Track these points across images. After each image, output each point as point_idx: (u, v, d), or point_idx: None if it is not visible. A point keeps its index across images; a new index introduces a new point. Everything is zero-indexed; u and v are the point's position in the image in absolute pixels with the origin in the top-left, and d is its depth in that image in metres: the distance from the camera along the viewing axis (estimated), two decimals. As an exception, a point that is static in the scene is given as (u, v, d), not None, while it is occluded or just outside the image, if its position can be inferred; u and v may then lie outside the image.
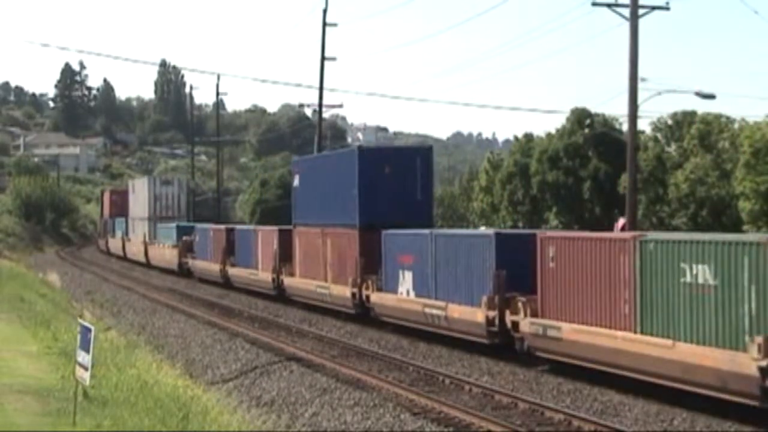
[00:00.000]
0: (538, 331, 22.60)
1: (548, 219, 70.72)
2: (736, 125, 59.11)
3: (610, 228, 46.14)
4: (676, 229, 55.27)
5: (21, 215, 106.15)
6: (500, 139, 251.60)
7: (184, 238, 58.08)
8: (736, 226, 52.74)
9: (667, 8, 33.27)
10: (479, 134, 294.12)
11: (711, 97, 37.90)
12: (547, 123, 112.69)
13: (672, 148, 63.73)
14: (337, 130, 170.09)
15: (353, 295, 32.57)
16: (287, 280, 39.62)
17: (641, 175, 56.21)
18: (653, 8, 33.08)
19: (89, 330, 14.60)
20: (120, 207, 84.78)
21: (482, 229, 46.34)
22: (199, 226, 59.27)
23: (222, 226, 53.71)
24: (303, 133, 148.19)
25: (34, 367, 19.84)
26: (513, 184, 75.32)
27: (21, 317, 28.64)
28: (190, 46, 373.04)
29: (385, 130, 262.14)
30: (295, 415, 19.65)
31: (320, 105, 58.08)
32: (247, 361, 26.19)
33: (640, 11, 32.42)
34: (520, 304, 23.48)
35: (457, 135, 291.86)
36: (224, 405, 19.74)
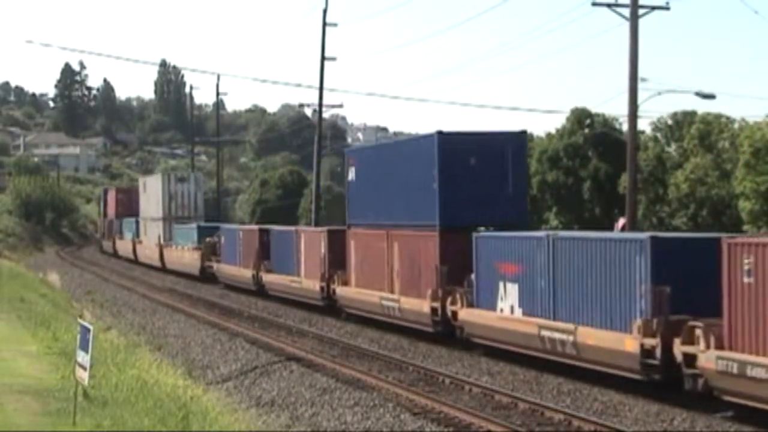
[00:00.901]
0: (727, 368, 17.34)
1: (548, 219, 70.71)
2: (736, 125, 59.08)
3: (611, 228, 46.10)
4: (676, 229, 55.27)
5: (21, 215, 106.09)
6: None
7: (207, 239, 53.61)
8: (736, 226, 52.72)
9: (667, 8, 33.28)
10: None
11: (711, 97, 37.90)
12: (546, 123, 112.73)
13: (672, 148, 63.74)
14: (337, 130, 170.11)
15: (433, 310, 27.25)
16: (340, 290, 34.37)
17: (641, 175, 56.20)
18: (653, 8, 33.07)
19: (88, 330, 14.60)
20: (127, 206, 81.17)
21: (619, 230, 37.67)
22: (225, 226, 54.94)
23: (255, 227, 49.18)
24: (303, 133, 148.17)
25: (34, 367, 19.83)
26: (513, 184, 75.16)
27: (21, 317, 28.64)
28: (190, 46, 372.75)
29: (385, 130, 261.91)
30: (295, 415, 19.64)
31: (320, 105, 58.03)
32: (247, 361, 26.18)
33: (640, 11, 32.41)
34: (698, 332, 18.29)
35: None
36: (224, 405, 19.75)
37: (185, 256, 57.46)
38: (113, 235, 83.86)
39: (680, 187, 58.08)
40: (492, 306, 24.74)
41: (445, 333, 27.15)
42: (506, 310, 24.14)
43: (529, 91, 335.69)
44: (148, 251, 68.28)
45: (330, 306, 35.54)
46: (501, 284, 24.41)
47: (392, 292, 30.21)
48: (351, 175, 34.53)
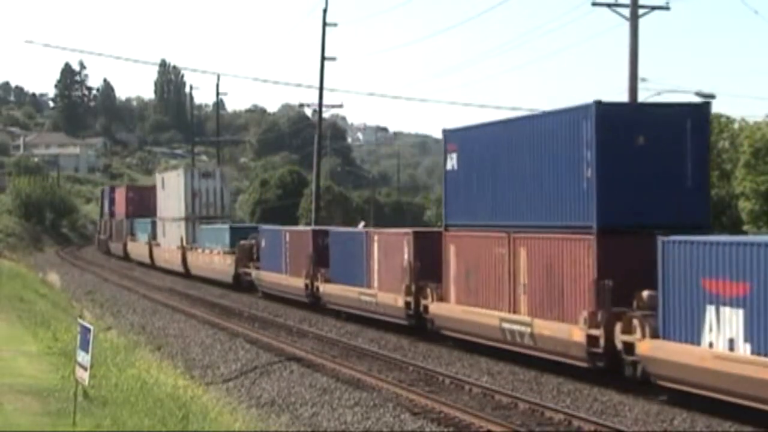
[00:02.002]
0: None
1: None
2: (736, 125, 59.10)
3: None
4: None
5: (21, 215, 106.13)
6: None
7: (242, 242, 47.20)
8: (736, 226, 52.73)
9: (667, 8, 33.34)
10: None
11: (711, 97, 37.93)
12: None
13: (672, 148, 63.70)
14: (337, 130, 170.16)
15: (591, 339, 20.76)
16: (435, 308, 27.65)
17: (641, 175, 56.18)
18: (653, 8, 33.13)
19: (88, 330, 14.60)
20: (139, 205, 76.11)
21: None
22: (266, 227, 47.62)
23: (307, 228, 42.47)
24: (303, 133, 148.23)
25: (34, 367, 19.82)
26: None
27: (21, 317, 28.62)
28: (190, 46, 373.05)
29: (385, 130, 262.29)
30: (295, 415, 19.64)
31: (320, 105, 58.05)
32: (247, 361, 26.18)
33: (640, 11, 32.46)
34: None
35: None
36: (224, 405, 19.74)
37: (215, 261, 51.09)
38: (124, 237, 77.79)
39: (680, 187, 58.02)
40: (693, 339, 18.43)
41: (614, 370, 20.69)
42: (722, 346, 17.72)
43: (529, 91, 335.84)
44: (168, 255, 62.13)
45: (418, 326, 28.91)
46: (710, 310, 18.00)
47: (517, 312, 23.58)
48: (451, 162, 27.45)
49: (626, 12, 32.47)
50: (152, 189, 77.85)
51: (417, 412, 19.13)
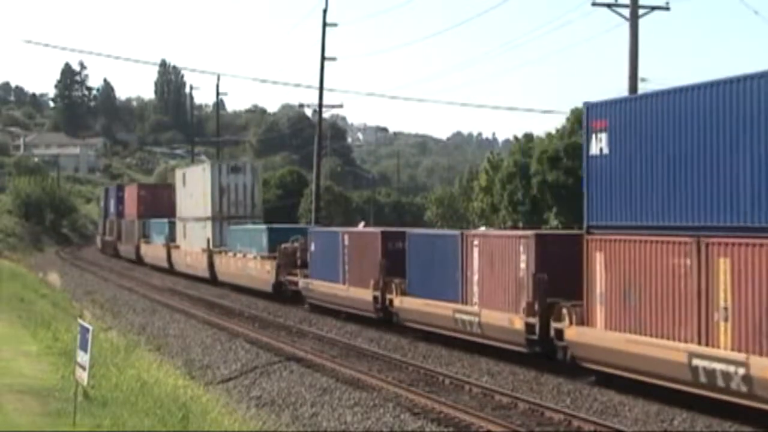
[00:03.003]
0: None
1: (548, 219, 70.73)
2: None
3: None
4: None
5: (21, 215, 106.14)
6: (500, 139, 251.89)
7: (284, 246, 41.18)
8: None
9: (667, 8, 33.31)
10: (479, 134, 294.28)
11: (711, 97, 37.81)
12: (547, 123, 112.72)
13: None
14: (337, 130, 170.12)
15: None
16: (577, 335, 21.56)
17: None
18: (653, 8, 33.11)
19: (88, 330, 14.60)
20: (152, 205, 70.98)
21: None
22: (316, 229, 42.12)
23: (375, 230, 35.01)
24: (303, 133, 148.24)
25: (34, 368, 19.82)
26: (513, 185, 75.23)
27: (21, 317, 28.63)
28: (190, 46, 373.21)
29: (385, 130, 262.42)
30: (295, 415, 19.65)
31: (320, 105, 58.05)
32: (247, 361, 26.19)
33: (640, 11, 32.45)
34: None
35: (457, 135, 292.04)
36: (224, 405, 19.74)
37: (249, 267, 44.94)
38: (136, 239, 71.99)
39: (680, 187, 58.02)
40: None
41: None
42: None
43: (529, 91, 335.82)
44: (191, 258, 56.14)
45: (546, 354, 23.04)
46: None
47: (714, 345, 17.80)
48: (598, 145, 21.33)
49: (626, 12, 32.46)
50: (166, 187, 75.70)
51: (417, 412, 19.13)
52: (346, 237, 34.71)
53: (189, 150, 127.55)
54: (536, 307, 22.75)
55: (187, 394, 18.96)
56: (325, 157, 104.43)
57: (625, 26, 32.41)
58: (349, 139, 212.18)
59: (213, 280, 51.14)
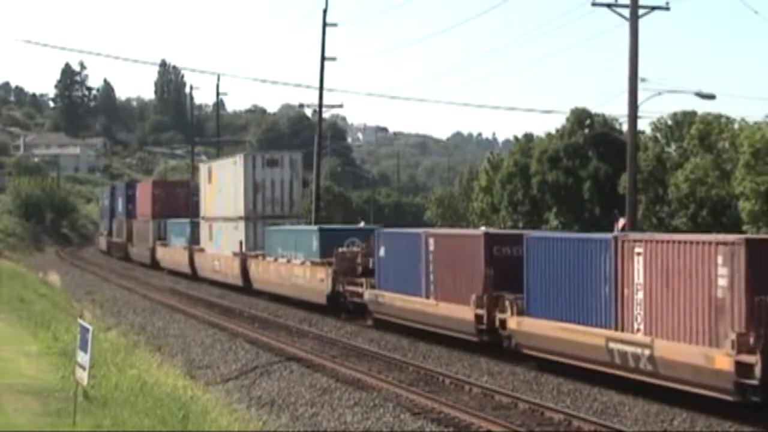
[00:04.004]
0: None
1: (548, 219, 70.76)
2: (736, 125, 59.16)
3: (610, 228, 46.16)
4: (675, 229, 55.32)
5: (21, 215, 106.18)
6: (500, 139, 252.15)
7: (341, 250, 35.32)
8: (736, 226, 52.77)
9: (667, 8, 33.26)
10: (479, 134, 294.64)
11: (711, 97, 37.89)
12: (546, 123, 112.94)
13: (672, 148, 63.85)
14: (337, 130, 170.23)
15: None
16: None
17: (641, 175, 56.26)
18: (653, 8, 33.06)
19: (88, 330, 14.60)
20: (168, 204, 65.96)
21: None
22: (388, 230, 34.17)
23: (475, 232, 29.93)
24: (303, 133, 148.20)
25: (34, 368, 19.82)
26: (513, 184, 75.37)
27: (21, 317, 28.63)
28: (190, 46, 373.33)
29: (385, 130, 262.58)
30: (295, 415, 19.65)
31: (320, 105, 57.97)
32: (247, 361, 26.19)
33: (640, 11, 32.41)
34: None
35: (457, 135, 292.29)
36: (224, 405, 19.74)
37: (296, 274, 38.71)
38: (151, 241, 66.36)
39: (680, 187, 58.15)
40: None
41: None
42: None
43: (528, 91, 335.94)
44: (219, 263, 49.99)
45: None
46: None
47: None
48: None
49: (626, 12, 32.42)
50: (182, 184, 71.68)
51: (417, 412, 19.13)
52: (431, 240, 28.20)
53: (189, 150, 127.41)
54: (750, 339, 16.66)
55: (187, 394, 18.97)
56: (325, 157, 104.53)
57: (625, 26, 32.39)
58: (349, 139, 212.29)
59: (246, 288, 45.11)
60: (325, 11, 56.43)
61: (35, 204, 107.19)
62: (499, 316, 24.50)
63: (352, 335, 30.76)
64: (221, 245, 50.10)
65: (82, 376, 14.75)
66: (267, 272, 42.66)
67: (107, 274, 61.64)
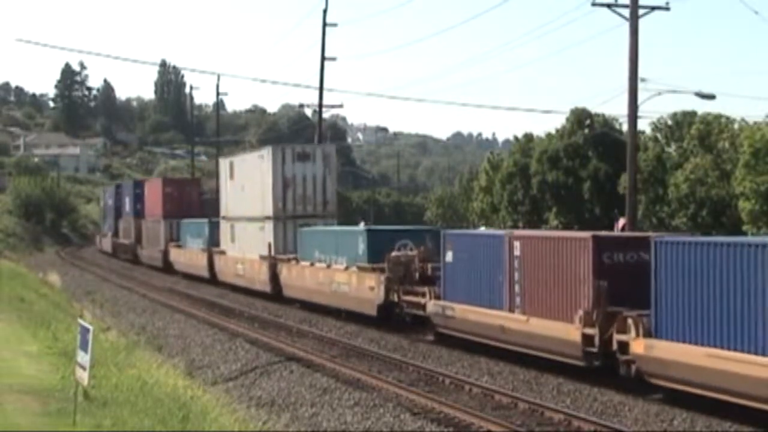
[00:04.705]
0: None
1: (548, 219, 70.76)
2: (736, 125, 59.17)
3: (610, 228, 46.19)
4: (675, 229, 55.31)
5: (21, 215, 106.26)
6: (500, 139, 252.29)
7: (394, 254, 31.22)
8: (736, 227, 52.78)
9: (667, 8, 33.27)
10: (479, 134, 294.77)
11: (711, 97, 37.88)
12: (546, 123, 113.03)
13: (672, 149, 63.85)
14: (337, 130, 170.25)
15: None
16: None
17: (641, 175, 56.25)
18: (653, 8, 33.07)
19: (88, 330, 14.61)
20: (180, 203, 62.55)
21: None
22: (460, 231, 31.98)
23: (579, 234, 23.81)
24: (303, 133, 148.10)
25: (35, 368, 19.82)
26: (513, 185, 75.38)
27: (21, 317, 28.64)
28: (190, 46, 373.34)
29: (385, 130, 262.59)
30: (295, 415, 19.65)
31: (320, 105, 58.01)
32: (247, 361, 26.18)
33: (640, 11, 32.41)
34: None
35: (457, 135, 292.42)
36: (224, 405, 19.75)
37: (339, 281, 34.60)
38: (163, 243, 62.50)
39: (680, 187, 58.14)
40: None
41: None
42: None
43: (529, 91, 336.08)
44: (243, 267, 45.79)
45: None
46: None
47: None
48: None
49: (626, 12, 32.42)
50: (195, 183, 69.14)
51: (417, 412, 19.13)
52: (517, 243, 24.10)
53: (189, 150, 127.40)
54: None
55: (187, 394, 18.98)
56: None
57: (625, 26, 32.38)
58: (349, 139, 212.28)
59: (275, 295, 41.17)
60: (325, 11, 56.47)
61: (35, 204, 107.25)
62: (617, 337, 20.32)
63: (352, 335, 30.74)
64: (245, 248, 46.10)
65: (82, 376, 14.75)
66: (301, 278, 38.33)
67: (107, 274, 61.63)
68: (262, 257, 42.58)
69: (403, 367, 24.33)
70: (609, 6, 33.09)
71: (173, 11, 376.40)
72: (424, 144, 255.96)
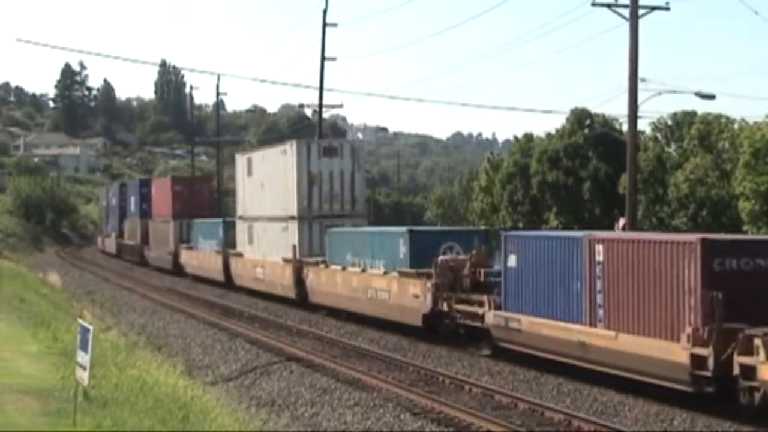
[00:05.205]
0: None
1: (548, 219, 70.77)
2: (736, 125, 59.21)
3: (611, 228, 46.20)
4: (676, 229, 55.32)
5: (21, 215, 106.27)
6: (500, 139, 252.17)
7: (442, 258, 28.02)
8: (736, 226, 52.79)
9: (667, 8, 33.27)
10: (479, 134, 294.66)
11: (711, 97, 37.88)
12: (546, 123, 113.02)
13: (672, 149, 63.89)
14: (337, 131, 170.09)
15: None
16: None
17: (641, 175, 56.28)
18: (653, 8, 33.06)
19: (88, 330, 14.61)
20: (191, 202, 59.95)
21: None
22: (521, 234, 26.41)
23: (683, 237, 20.46)
24: (303, 134, 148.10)
25: (35, 368, 19.82)
26: (513, 185, 75.41)
27: (21, 317, 28.63)
28: (190, 46, 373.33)
29: (384, 130, 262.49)
30: (295, 415, 19.65)
31: (320, 105, 58.00)
32: (248, 362, 26.18)
33: (640, 11, 32.41)
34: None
35: (457, 135, 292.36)
36: (224, 405, 19.74)
37: (377, 287, 31.41)
38: (173, 245, 59.59)
39: (680, 187, 58.17)
40: None
41: None
42: None
43: (528, 91, 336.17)
44: (264, 271, 42.83)
45: None
46: None
47: None
48: None
49: (626, 12, 32.42)
50: (206, 180, 66.94)
51: (417, 412, 19.13)
52: (599, 247, 20.96)
53: (189, 150, 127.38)
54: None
55: (187, 394, 18.96)
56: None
57: (625, 26, 32.38)
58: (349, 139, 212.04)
59: (300, 301, 38.28)
60: (325, 11, 56.45)
61: (35, 204, 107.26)
62: (739, 359, 17.07)
63: (352, 335, 30.74)
64: (265, 250, 42.99)
65: (82, 376, 14.75)
66: (331, 284, 35.21)
67: (107, 274, 61.62)
68: (286, 260, 39.58)
69: (403, 367, 24.33)
70: (609, 6, 33.09)
71: (173, 11, 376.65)
72: (424, 144, 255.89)
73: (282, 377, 23.66)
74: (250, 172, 46.16)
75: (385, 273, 31.03)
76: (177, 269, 57.81)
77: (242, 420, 18.25)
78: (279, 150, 42.54)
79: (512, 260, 24.13)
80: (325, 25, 56.52)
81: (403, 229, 32.06)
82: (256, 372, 24.66)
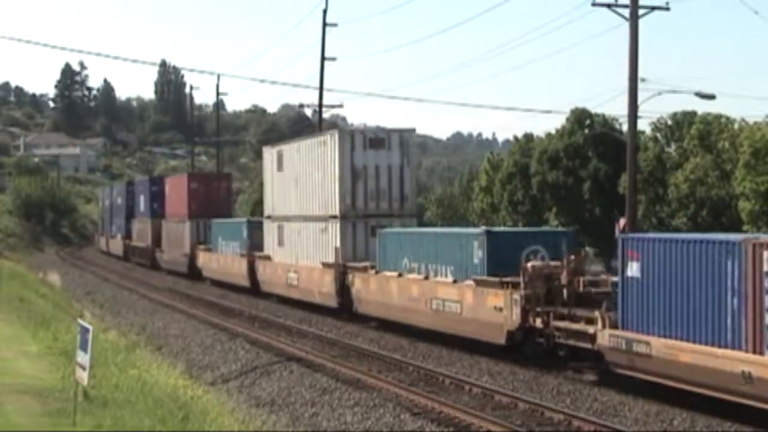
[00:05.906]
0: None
1: (548, 219, 70.76)
2: (736, 125, 59.18)
3: (611, 228, 46.19)
4: (676, 229, 55.31)
5: (21, 215, 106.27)
6: (500, 139, 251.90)
7: (531, 264, 24.00)
8: (736, 227, 52.76)
9: (667, 8, 33.25)
10: (479, 134, 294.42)
11: (711, 97, 37.88)
12: (547, 123, 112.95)
13: (672, 149, 63.86)
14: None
15: None
16: None
17: (641, 176, 56.26)
18: (653, 8, 33.06)
19: (88, 330, 14.60)
20: (208, 202, 55.98)
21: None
22: (646, 236, 21.64)
23: None
24: (303, 134, 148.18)
25: (35, 368, 19.82)
26: (513, 185, 75.39)
27: (21, 317, 28.63)
28: (190, 46, 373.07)
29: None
30: (295, 415, 19.65)
31: (320, 105, 57.99)
32: (248, 362, 26.19)
33: (640, 11, 32.40)
34: None
35: (457, 135, 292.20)
36: (224, 405, 19.75)
37: (445, 297, 27.04)
38: (189, 247, 55.32)
39: (680, 187, 58.14)
40: None
41: None
42: None
43: (528, 91, 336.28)
44: (298, 277, 38.56)
45: None
46: None
47: None
48: None
49: (626, 12, 32.41)
50: (224, 178, 62.09)
51: (417, 412, 19.14)
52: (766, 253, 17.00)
53: (189, 150, 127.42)
54: None
55: (187, 394, 18.97)
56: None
57: (625, 26, 32.38)
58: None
59: (345, 310, 34.27)
60: (325, 11, 56.41)
61: (35, 204, 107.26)
62: None
63: (352, 335, 30.74)
64: (299, 253, 38.82)
65: (82, 376, 14.74)
66: (384, 292, 30.92)
67: (107, 274, 61.63)
68: (326, 265, 35.39)
69: (403, 367, 24.33)
70: (609, 6, 33.08)
71: (173, 11, 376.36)
72: (424, 144, 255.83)
73: (282, 377, 23.67)
74: (280, 167, 41.63)
75: (455, 281, 26.70)
76: (193, 273, 53.81)
77: (242, 420, 18.25)
78: (317, 141, 38.02)
79: (634, 268, 20.08)
80: (325, 25, 56.51)
81: (479, 230, 27.85)
82: (256, 372, 24.67)
